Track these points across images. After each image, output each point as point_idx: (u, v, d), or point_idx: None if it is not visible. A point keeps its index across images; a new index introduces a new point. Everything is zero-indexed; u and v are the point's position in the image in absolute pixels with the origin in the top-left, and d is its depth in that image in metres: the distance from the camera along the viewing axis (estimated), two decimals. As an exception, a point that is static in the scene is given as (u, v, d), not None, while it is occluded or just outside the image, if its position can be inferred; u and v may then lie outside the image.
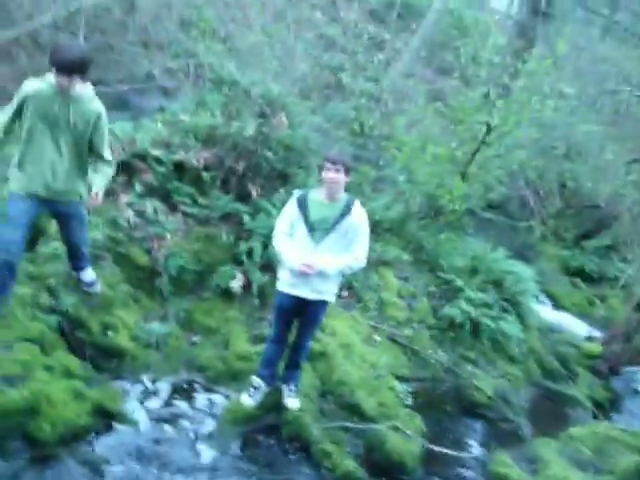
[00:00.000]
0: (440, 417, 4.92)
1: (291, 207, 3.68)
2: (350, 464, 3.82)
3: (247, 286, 4.89)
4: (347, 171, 3.61)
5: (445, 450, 4.32)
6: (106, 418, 3.58)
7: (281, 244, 3.67)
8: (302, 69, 7.53)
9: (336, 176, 3.54)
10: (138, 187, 4.92)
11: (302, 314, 3.82)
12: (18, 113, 3.37)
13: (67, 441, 3.29)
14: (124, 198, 4.77)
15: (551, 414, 5.85)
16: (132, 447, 3.49)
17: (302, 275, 3.57)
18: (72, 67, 3.21)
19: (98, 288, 4.17)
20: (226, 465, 3.66)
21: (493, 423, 5.12)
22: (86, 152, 3.57)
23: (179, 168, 5.09)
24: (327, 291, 3.76)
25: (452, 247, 6.52)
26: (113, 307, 4.25)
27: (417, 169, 6.71)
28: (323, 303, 3.77)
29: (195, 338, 4.49)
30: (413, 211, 6.65)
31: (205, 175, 5.14)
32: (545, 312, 7.49)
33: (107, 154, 3.67)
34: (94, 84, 3.54)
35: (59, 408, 3.35)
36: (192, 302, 4.69)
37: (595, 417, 5.82)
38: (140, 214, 4.78)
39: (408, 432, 4.17)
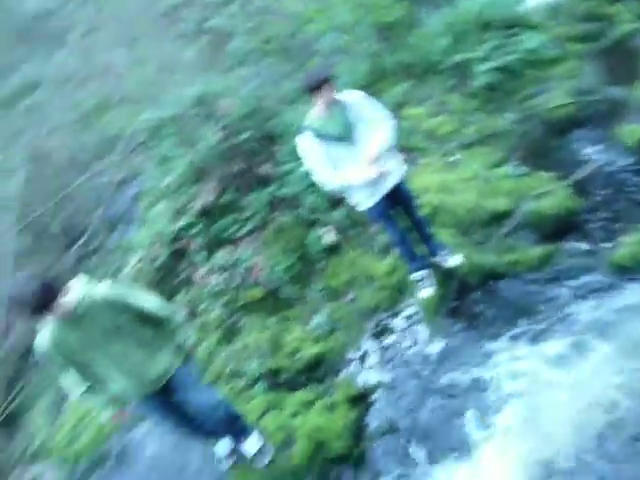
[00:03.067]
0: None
1: (309, 145, 3.69)
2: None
3: (338, 230, 5.06)
4: (330, 80, 3.56)
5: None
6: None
7: (334, 180, 3.70)
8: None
9: (329, 94, 3.55)
10: (197, 257, 5.14)
11: (397, 202, 3.94)
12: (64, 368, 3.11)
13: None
14: (198, 275, 5.01)
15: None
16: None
17: (377, 177, 3.65)
18: (41, 301, 2.83)
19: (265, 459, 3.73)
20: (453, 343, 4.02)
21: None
22: (143, 326, 3.18)
23: (206, 214, 5.25)
24: (398, 166, 3.84)
25: (422, 38, 6.44)
26: (277, 345, 4.56)
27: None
28: (403, 178, 3.87)
29: (349, 296, 4.72)
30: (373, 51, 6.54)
31: (224, 199, 5.27)
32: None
33: (162, 311, 3.23)
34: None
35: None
36: (318, 280, 4.90)
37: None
38: (220, 270, 5.00)
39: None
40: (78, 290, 3.00)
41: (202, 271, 4.95)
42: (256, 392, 4.18)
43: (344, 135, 3.63)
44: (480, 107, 5.88)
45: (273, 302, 4.81)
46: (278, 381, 4.26)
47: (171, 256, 5.16)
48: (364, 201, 3.88)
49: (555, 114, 5.39)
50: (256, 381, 4.25)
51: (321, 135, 3.63)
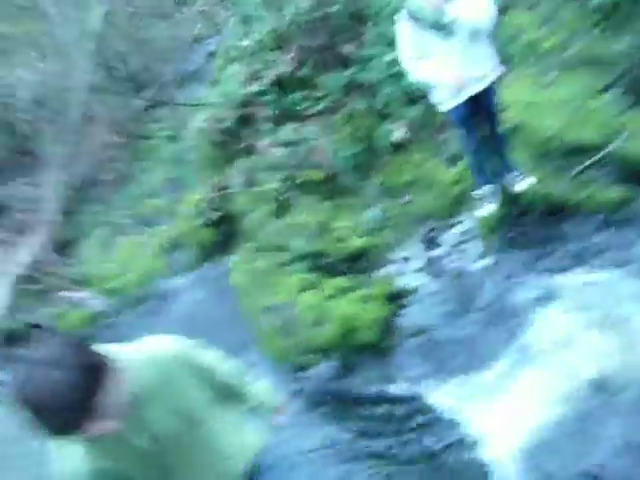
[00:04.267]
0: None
1: (401, 26, 3.42)
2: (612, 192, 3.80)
3: (408, 128, 4.87)
4: None
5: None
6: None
7: (415, 70, 3.48)
8: None
9: None
10: (263, 126, 5.07)
11: (480, 109, 3.70)
12: None
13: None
14: (262, 145, 4.97)
15: None
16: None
17: (457, 85, 3.42)
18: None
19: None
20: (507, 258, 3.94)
21: None
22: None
23: (279, 84, 5.10)
24: (491, 68, 3.54)
25: None
26: (325, 229, 4.56)
27: None
28: (493, 83, 3.61)
29: (406, 197, 4.65)
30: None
31: (301, 72, 5.08)
32: None
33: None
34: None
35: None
36: (379, 174, 4.82)
37: None
38: (284, 144, 4.95)
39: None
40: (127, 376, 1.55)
41: (266, 141, 4.90)
42: (296, 269, 4.27)
43: (440, 23, 3.32)
44: (595, 25, 5.33)
45: (330, 187, 4.78)
46: (319, 264, 4.33)
47: (238, 121, 5.10)
48: (446, 101, 3.65)
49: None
50: (298, 259, 4.33)
51: (416, 18, 3.34)
